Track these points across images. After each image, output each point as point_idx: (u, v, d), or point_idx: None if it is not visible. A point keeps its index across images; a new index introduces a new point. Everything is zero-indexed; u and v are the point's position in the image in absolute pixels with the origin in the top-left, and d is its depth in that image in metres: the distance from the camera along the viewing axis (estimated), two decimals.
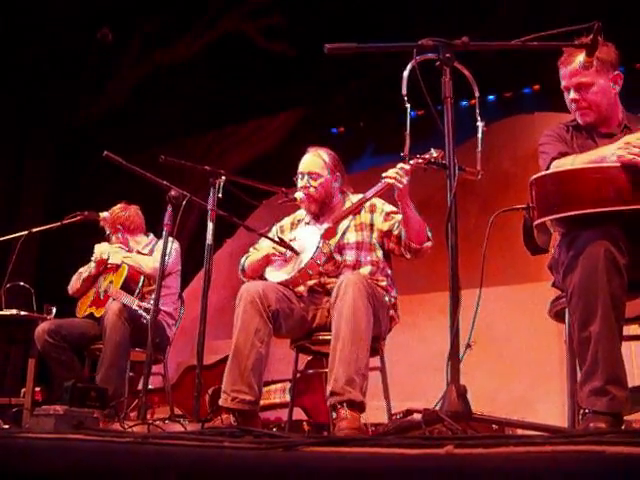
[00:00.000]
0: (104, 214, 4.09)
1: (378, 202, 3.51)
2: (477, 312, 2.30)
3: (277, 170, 5.80)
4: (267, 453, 1.11)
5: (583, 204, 2.05)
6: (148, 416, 5.45)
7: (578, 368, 2.18)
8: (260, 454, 1.10)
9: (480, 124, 2.11)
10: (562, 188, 2.10)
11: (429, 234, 3.36)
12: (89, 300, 4.19)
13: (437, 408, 1.79)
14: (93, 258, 4.13)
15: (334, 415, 2.96)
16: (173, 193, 3.02)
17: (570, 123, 2.63)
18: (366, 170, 7.27)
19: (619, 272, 2.04)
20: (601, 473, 0.84)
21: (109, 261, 4.06)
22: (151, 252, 4.27)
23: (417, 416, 3.87)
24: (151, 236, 4.46)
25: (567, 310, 2.20)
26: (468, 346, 2.13)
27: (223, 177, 2.81)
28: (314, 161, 3.58)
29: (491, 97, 7.36)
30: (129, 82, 6.43)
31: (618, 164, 2.07)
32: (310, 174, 3.55)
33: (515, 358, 6.13)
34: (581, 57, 2.48)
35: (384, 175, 3.18)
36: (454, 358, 1.81)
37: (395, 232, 3.44)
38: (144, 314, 3.40)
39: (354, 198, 3.59)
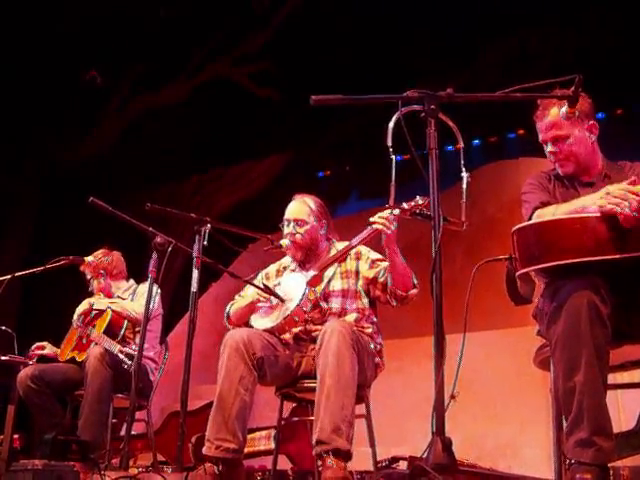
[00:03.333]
0: (89, 258, 4.08)
1: (364, 249, 3.52)
2: (461, 360, 2.30)
3: (263, 215, 5.82)
4: None
5: (564, 254, 2.07)
6: (131, 462, 5.41)
7: (564, 417, 2.17)
8: None
9: (465, 175, 2.14)
10: (543, 238, 2.12)
11: (415, 281, 3.37)
12: (72, 344, 4.16)
13: (423, 458, 1.78)
14: (75, 317, 4.09)
15: (320, 463, 2.93)
16: (159, 240, 3.02)
17: (552, 172, 2.67)
18: (352, 214, 7.31)
19: (602, 322, 2.05)
20: None
21: (94, 307, 4.04)
22: (132, 297, 4.25)
23: (402, 464, 3.88)
24: (131, 281, 4.45)
25: (551, 360, 2.20)
26: (452, 397, 2.13)
27: (209, 225, 2.81)
28: (300, 208, 3.60)
29: (476, 142, 7.47)
30: (116, 126, 6.47)
31: (598, 214, 2.10)
32: (296, 221, 3.56)
33: (501, 404, 6.09)
34: (556, 109, 2.54)
35: (371, 220, 3.19)
36: (439, 409, 1.80)
37: (381, 279, 3.44)
38: (125, 360, 3.37)
39: (340, 245, 3.59)
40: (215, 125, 6.77)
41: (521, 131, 7.20)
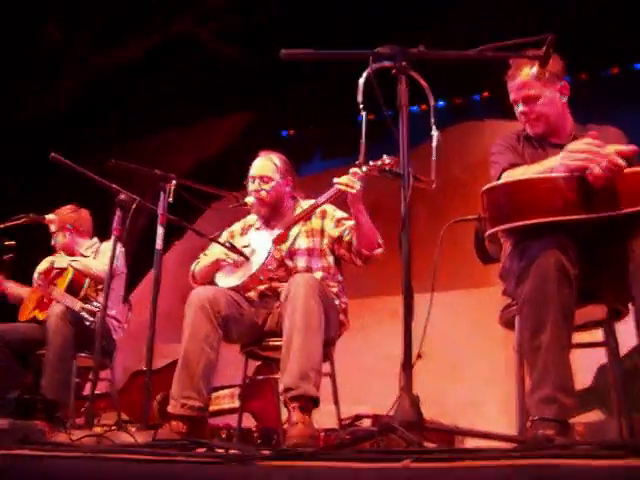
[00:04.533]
0: (50, 216, 3.99)
1: (329, 208, 3.51)
2: (428, 320, 2.32)
3: (226, 174, 5.75)
4: (222, 468, 1.08)
5: (533, 214, 2.08)
6: (95, 422, 5.37)
7: (527, 375, 2.20)
8: (215, 469, 1.07)
9: (435, 133, 2.12)
10: (513, 198, 2.13)
11: (380, 241, 3.37)
12: (33, 304, 4.08)
13: (390, 415, 1.79)
14: (36, 276, 4.01)
15: (285, 417, 2.94)
16: (122, 197, 2.96)
17: (521, 133, 2.67)
18: (315, 174, 7.27)
19: (569, 282, 2.07)
20: None
21: (55, 265, 3.97)
22: (95, 255, 4.18)
23: (366, 422, 3.93)
24: (95, 239, 4.38)
25: (517, 318, 2.23)
26: (419, 356, 2.14)
27: (174, 181, 2.76)
28: (266, 165, 3.56)
29: (440, 103, 7.44)
30: (76, 81, 6.29)
31: (565, 174, 2.11)
32: (262, 178, 3.53)
33: (462, 362, 6.19)
34: (527, 69, 2.53)
35: (336, 181, 3.16)
36: (407, 366, 1.81)
37: (346, 238, 3.43)
38: (88, 317, 3.33)
39: (305, 204, 3.57)
40: (178, 82, 6.63)
41: (486, 93, 7.17)
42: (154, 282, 2.72)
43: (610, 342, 2.53)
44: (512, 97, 2.62)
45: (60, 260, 4.03)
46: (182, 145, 7.14)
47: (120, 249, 4.02)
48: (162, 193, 2.76)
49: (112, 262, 3.00)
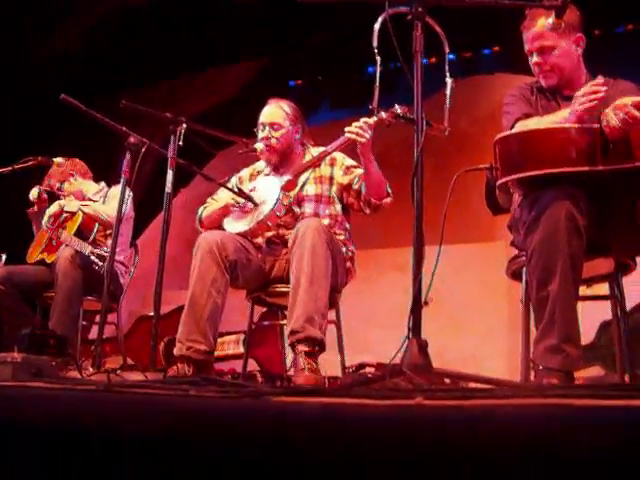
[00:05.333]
0: (58, 159, 3.98)
1: (339, 156, 3.50)
2: (435, 269, 2.32)
3: (233, 122, 5.71)
4: (235, 402, 1.10)
5: (547, 164, 2.07)
6: (101, 365, 5.44)
7: (533, 326, 2.22)
8: (228, 403, 1.09)
9: (449, 80, 2.10)
10: (526, 148, 2.12)
11: (389, 190, 3.37)
12: (41, 246, 4.10)
13: (397, 361, 1.81)
14: (45, 219, 4.00)
15: (292, 361, 2.97)
16: (132, 140, 2.94)
17: (534, 84, 2.64)
18: (323, 124, 7.22)
19: (579, 233, 2.08)
20: (570, 424, 0.86)
21: (65, 209, 3.96)
22: (104, 200, 4.18)
23: (370, 370, 3.97)
24: (102, 184, 4.37)
25: (525, 269, 2.23)
26: (425, 303, 2.15)
27: (184, 124, 2.74)
28: (276, 112, 3.54)
29: (450, 56, 7.33)
30: (83, 25, 6.21)
31: (580, 125, 2.09)
32: (271, 125, 3.51)
33: (464, 316, 6.23)
34: (543, 20, 2.49)
35: (346, 129, 3.16)
36: (416, 312, 1.82)
37: (355, 186, 3.43)
38: (97, 261, 3.34)
39: (314, 151, 3.56)
40: (188, 28, 6.53)
41: (496, 47, 7.06)
42: (163, 226, 2.73)
43: (616, 295, 2.54)
44: (527, 47, 2.58)
45: (70, 204, 4.02)
46: (190, 91, 7.07)
47: (129, 193, 4.02)
48: (172, 136, 2.74)
49: (121, 206, 3.00)
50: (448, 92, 2.08)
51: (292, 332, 2.96)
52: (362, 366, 3.98)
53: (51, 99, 2.87)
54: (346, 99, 7.08)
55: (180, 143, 2.74)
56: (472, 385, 1.89)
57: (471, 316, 6.07)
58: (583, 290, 2.72)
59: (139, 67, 6.35)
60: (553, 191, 2.08)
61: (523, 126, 2.34)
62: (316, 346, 2.94)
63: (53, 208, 4.02)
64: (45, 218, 3.96)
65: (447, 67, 2.11)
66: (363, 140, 3.07)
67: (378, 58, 2.09)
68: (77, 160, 4.21)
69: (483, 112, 6.74)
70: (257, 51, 6.82)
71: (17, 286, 3.78)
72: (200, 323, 3.17)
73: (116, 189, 3.96)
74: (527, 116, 2.44)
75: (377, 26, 2.05)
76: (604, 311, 2.78)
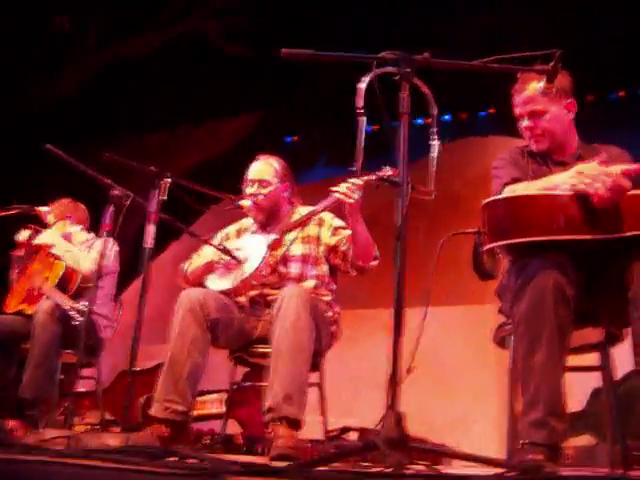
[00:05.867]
0: (43, 208, 3.92)
1: (327, 216, 3.45)
2: (421, 334, 2.26)
3: (227, 176, 5.69)
4: None
5: (534, 231, 2.02)
6: (78, 420, 5.30)
7: (519, 397, 2.14)
8: None
9: (436, 142, 2.06)
10: (514, 214, 2.07)
11: (376, 253, 3.31)
12: (21, 296, 4.02)
13: (375, 430, 1.72)
14: (21, 237, 3.93)
15: (269, 431, 2.88)
16: (116, 192, 2.90)
17: (525, 148, 2.61)
18: (318, 181, 7.22)
19: (567, 303, 2.01)
20: None
21: (52, 251, 3.88)
22: (88, 251, 4.11)
23: (353, 435, 3.86)
24: (91, 234, 4.31)
25: (512, 338, 2.16)
26: (408, 371, 2.09)
27: (169, 179, 2.70)
28: (264, 168, 3.51)
29: (446, 117, 7.40)
30: (82, 74, 6.24)
31: (570, 193, 2.05)
32: (260, 182, 3.47)
33: (453, 379, 6.12)
34: (535, 84, 2.48)
35: (334, 189, 3.12)
36: (394, 383, 1.74)
37: (342, 248, 3.38)
38: (76, 316, 3.26)
39: (303, 210, 3.52)
40: (186, 81, 6.58)
41: (492, 110, 7.12)
42: (142, 282, 2.66)
43: (606, 366, 2.47)
44: (517, 111, 2.57)
45: (59, 247, 3.93)
46: (185, 144, 7.08)
47: (114, 248, 3.98)
48: (156, 191, 2.68)
49: (100, 260, 2.93)
50: (435, 154, 2.03)
51: (269, 409, 2.86)
52: (345, 430, 3.86)
53: (40, 146, 2.82)
54: (343, 156, 7.09)
55: (164, 197, 2.68)
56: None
57: (460, 379, 5.96)
58: (572, 359, 2.64)
59: (132, 119, 6.36)
60: (540, 259, 2.03)
61: (511, 191, 2.30)
62: (293, 424, 2.84)
63: (45, 238, 3.93)
64: (22, 236, 3.89)
65: (434, 129, 2.07)
66: (351, 201, 3.03)
67: (363, 119, 2.05)
68: (81, 206, 4.14)
69: (477, 173, 6.74)
70: (253, 105, 6.86)
71: None
72: (179, 383, 3.07)
73: (102, 241, 3.90)
74: (516, 180, 2.40)
75: (363, 86, 2.02)
76: (595, 378, 2.71)
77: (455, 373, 6.10)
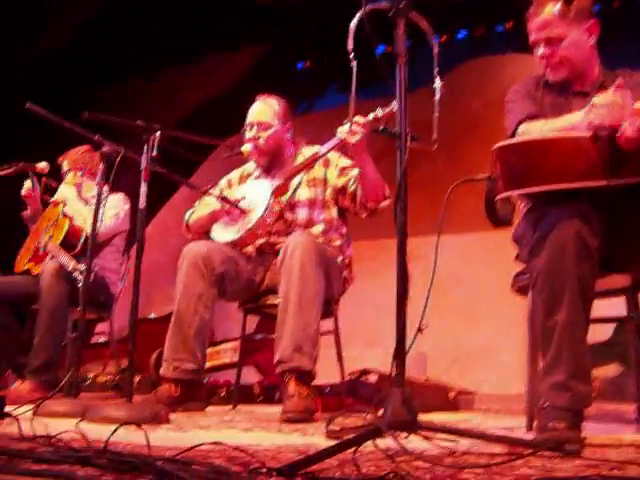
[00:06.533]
0: (42, 164, 3.77)
1: (333, 156, 3.27)
2: (435, 265, 2.08)
3: (235, 113, 5.47)
4: None
5: (553, 179, 1.81)
6: (101, 369, 5.29)
7: (541, 355, 2.00)
8: None
9: (438, 84, 1.85)
10: (529, 160, 1.86)
11: (387, 192, 3.13)
12: (29, 254, 3.92)
13: (380, 415, 1.59)
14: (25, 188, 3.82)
15: (284, 383, 2.80)
16: (106, 148, 2.73)
17: (541, 77, 2.37)
18: (331, 109, 6.98)
19: (589, 255, 1.83)
20: None
21: (64, 209, 3.76)
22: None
23: (372, 378, 3.77)
24: (105, 188, 4.16)
25: (531, 292, 1.99)
26: (419, 330, 1.94)
27: (158, 132, 2.51)
28: (264, 110, 3.31)
29: (462, 33, 7.06)
30: (75, 16, 5.95)
31: (590, 134, 1.84)
32: (259, 124, 3.28)
33: (477, 308, 6.02)
34: (551, 7, 2.23)
35: (338, 130, 2.96)
36: (399, 355, 1.60)
37: (350, 189, 3.21)
38: (79, 278, 3.14)
39: (307, 151, 3.34)
40: (183, 15, 6.27)
41: (510, 24, 6.75)
42: (137, 246, 2.50)
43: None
44: (532, 38, 2.31)
45: (70, 206, 3.79)
46: (190, 80, 6.81)
47: (125, 206, 3.85)
48: (145, 146, 2.51)
49: (95, 224, 2.80)
50: (437, 98, 1.82)
51: (280, 361, 2.77)
52: (365, 372, 3.77)
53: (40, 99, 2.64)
54: (356, 83, 6.84)
55: (154, 154, 2.50)
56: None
57: (484, 308, 5.84)
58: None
59: (135, 58, 6.09)
60: (560, 208, 1.83)
61: (526, 132, 2.09)
62: (305, 376, 2.74)
63: (59, 195, 3.81)
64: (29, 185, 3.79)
65: (436, 69, 1.85)
66: (355, 140, 2.85)
67: (354, 64, 1.85)
68: (96, 157, 3.93)
69: (496, 94, 6.37)
70: (261, 35, 6.53)
71: (2, 300, 3.60)
72: (187, 342, 2.99)
73: (114, 199, 3.80)
74: (531, 117, 2.18)
75: (353, 25, 1.81)
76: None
77: (479, 302, 6.00)
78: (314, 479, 1.21)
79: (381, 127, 1.79)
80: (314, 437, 1.99)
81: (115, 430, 1.46)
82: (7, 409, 2.95)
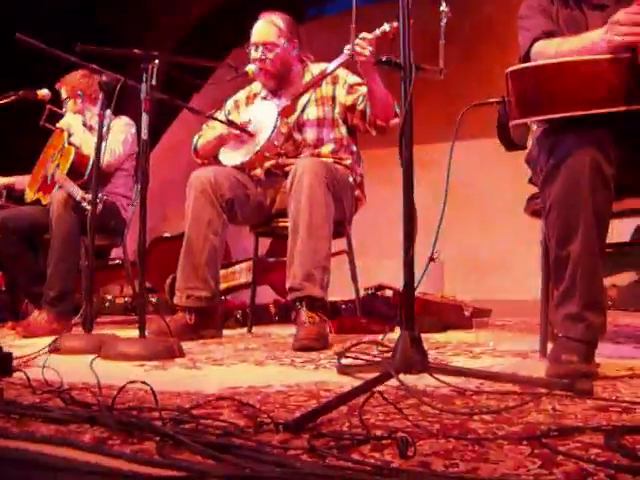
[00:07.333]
0: (42, 91, 3.66)
1: (341, 73, 3.16)
2: (449, 172, 2.00)
3: (238, 24, 5.27)
4: None
5: (570, 105, 1.71)
6: (118, 292, 5.34)
7: (554, 284, 1.96)
8: None
9: (444, 9, 1.73)
10: (545, 85, 1.75)
11: (397, 110, 3.04)
12: (37, 183, 3.88)
13: (390, 358, 1.58)
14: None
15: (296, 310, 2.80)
16: (104, 78, 2.63)
17: None
18: (343, 12, 6.73)
19: (605, 184, 1.75)
20: None
21: (70, 139, 3.69)
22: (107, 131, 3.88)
23: (389, 292, 3.79)
24: (108, 111, 4.06)
25: (544, 221, 1.93)
26: (431, 259, 1.90)
27: (156, 61, 2.41)
28: (268, 29, 3.17)
29: None
30: None
31: (608, 56, 1.72)
32: (265, 44, 3.16)
33: (495, 215, 5.97)
34: None
35: (345, 48, 2.85)
36: (407, 299, 1.57)
37: (359, 107, 3.12)
38: (87, 207, 3.10)
39: (314, 68, 3.23)
40: None
41: None
42: (141, 178, 2.45)
43: None
44: None
45: (76, 136, 3.72)
46: None
47: (131, 130, 3.77)
48: (144, 75, 2.41)
49: (99, 153, 2.73)
50: (443, 23, 1.71)
51: (291, 289, 2.76)
52: (380, 288, 3.79)
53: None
54: None
55: (153, 83, 2.42)
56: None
57: (503, 216, 5.76)
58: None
59: None
60: (575, 135, 1.74)
61: (541, 52, 1.97)
62: (316, 304, 2.73)
63: (64, 124, 3.74)
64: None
65: None
66: (363, 58, 2.74)
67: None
68: (95, 80, 3.78)
69: None
70: None
71: (14, 231, 3.58)
72: (199, 269, 2.98)
73: (120, 123, 3.72)
74: (547, 34, 2.05)
75: None
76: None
77: (497, 209, 5.94)
78: (320, 435, 1.20)
79: (384, 57, 1.69)
80: (325, 372, 1.99)
81: (123, 387, 1.45)
82: (28, 341, 3.04)
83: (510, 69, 1.83)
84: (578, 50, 1.83)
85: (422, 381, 1.64)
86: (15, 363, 1.99)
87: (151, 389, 1.41)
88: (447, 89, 5.04)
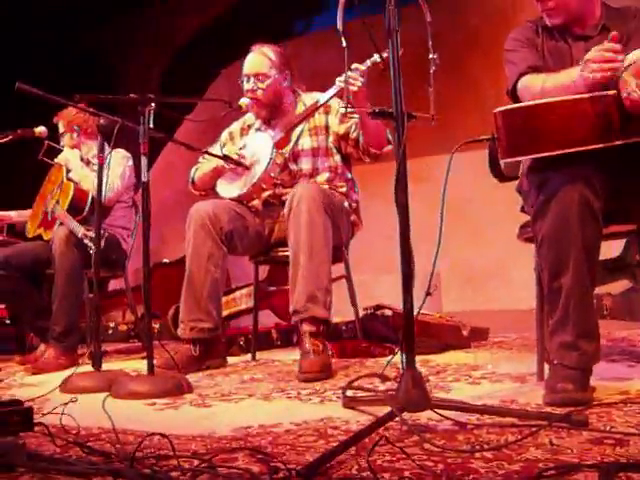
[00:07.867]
0: (39, 129, 3.73)
1: (334, 102, 3.23)
2: (445, 187, 2.05)
3: (239, 34, 5.31)
4: None
5: (555, 144, 1.79)
6: (120, 319, 5.39)
7: (548, 314, 2.03)
8: None
9: (433, 56, 1.80)
10: (531, 125, 1.82)
11: (389, 137, 3.13)
12: (38, 219, 3.94)
13: (393, 395, 1.64)
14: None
15: (300, 336, 2.86)
16: (102, 121, 2.70)
17: (540, 22, 2.30)
18: (331, 26, 6.82)
19: (594, 217, 1.83)
20: None
21: (69, 175, 3.75)
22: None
23: (388, 312, 3.84)
24: (107, 151, 4.12)
25: (537, 254, 2.00)
26: (428, 294, 1.97)
27: (153, 104, 2.48)
28: (259, 60, 3.25)
29: None
30: None
31: (587, 95, 1.80)
32: (256, 76, 3.23)
33: (487, 226, 6.05)
34: None
35: (337, 80, 2.95)
36: (408, 339, 1.64)
37: (352, 135, 3.19)
38: (89, 244, 3.17)
39: (307, 98, 3.31)
40: None
41: None
42: (143, 222, 2.52)
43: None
44: None
45: (76, 172, 3.78)
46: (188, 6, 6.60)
47: (129, 163, 3.83)
48: (141, 118, 2.48)
49: (100, 192, 2.79)
50: (432, 70, 1.78)
51: (295, 312, 2.83)
52: (379, 308, 3.84)
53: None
54: None
55: (150, 125, 2.49)
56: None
57: (495, 226, 5.84)
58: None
59: None
60: (563, 173, 1.82)
61: (527, 85, 2.06)
62: (321, 325, 2.80)
63: (63, 159, 3.81)
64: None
65: (430, 42, 1.80)
66: (355, 88, 2.81)
67: (343, 40, 1.81)
68: (92, 120, 3.84)
69: (494, 7, 6.31)
70: None
71: (17, 268, 3.64)
72: (201, 302, 3.05)
73: (117, 157, 3.74)
74: (532, 69, 2.13)
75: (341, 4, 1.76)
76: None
77: (489, 220, 6.02)
78: None
79: (377, 109, 1.75)
80: (331, 406, 2.06)
81: (142, 441, 1.51)
82: (38, 378, 3.10)
83: (497, 110, 1.91)
84: (561, 86, 1.92)
85: (425, 414, 1.71)
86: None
87: (168, 440, 1.47)
88: (437, 99, 5.10)
